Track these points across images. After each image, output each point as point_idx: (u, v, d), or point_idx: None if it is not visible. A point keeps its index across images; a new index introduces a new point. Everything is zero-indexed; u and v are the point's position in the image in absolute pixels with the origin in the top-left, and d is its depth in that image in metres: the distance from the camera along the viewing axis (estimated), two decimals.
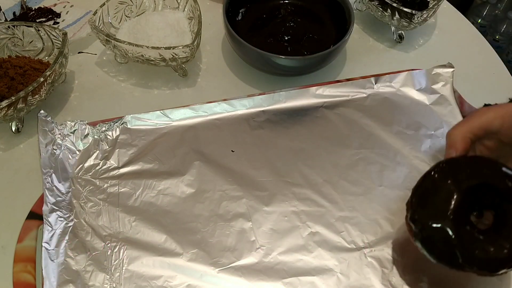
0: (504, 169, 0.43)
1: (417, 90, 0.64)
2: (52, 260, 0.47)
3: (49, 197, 0.51)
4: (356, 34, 0.74)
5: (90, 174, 0.54)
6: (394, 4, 0.68)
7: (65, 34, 0.61)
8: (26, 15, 0.70)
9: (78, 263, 0.48)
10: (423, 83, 0.64)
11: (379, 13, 0.71)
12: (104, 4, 0.64)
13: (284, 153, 0.58)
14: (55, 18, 0.70)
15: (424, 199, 0.44)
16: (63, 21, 0.70)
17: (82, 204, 0.52)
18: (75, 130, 0.56)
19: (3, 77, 0.58)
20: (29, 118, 0.60)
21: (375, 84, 0.64)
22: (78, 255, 0.49)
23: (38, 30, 0.62)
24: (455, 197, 0.42)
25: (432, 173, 0.45)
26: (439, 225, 0.42)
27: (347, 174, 0.56)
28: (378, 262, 0.50)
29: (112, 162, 0.55)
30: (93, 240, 0.50)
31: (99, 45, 0.70)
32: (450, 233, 0.41)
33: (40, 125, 0.54)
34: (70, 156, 0.55)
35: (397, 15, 0.69)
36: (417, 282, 0.49)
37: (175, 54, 0.61)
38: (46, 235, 0.48)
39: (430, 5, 0.70)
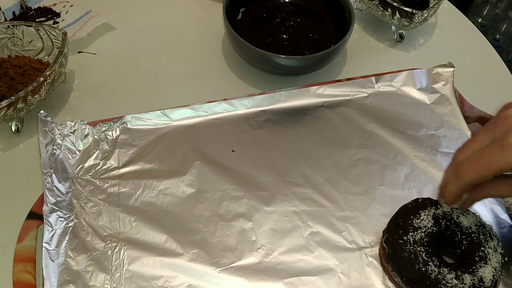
0: (473, 214, 0.49)
1: (417, 89, 0.64)
2: (52, 260, 0.47)
3: (49, 197, 0.50)
4: (357, 33, 0.74)
5: (90, 174, 0.54)
6: (395, 4, 0.68)
7: (65, 33, 0.61)
8: (25, 15, 0.70)
9: (79, 263, 0.48)
10: (424, 82, 0.64)
11: (380, 13, 0.70)
12: None
13: (285, 153, 0.58)
14: (54, 17, 0.70)
15: (400, 226, 0.48)
16: (62, 20, 0.70)
17: (82, 204, 0.52)
18: (75, 130, 0.56)
19: (2, 77, 0.58)
20: (29, 118, 0.59)
21: (376, 83, 0.64)
22: (79, 255, 0.48)
23: (38, 30, 0.62)
24: (428, 229, 0.47)
25: (410, 205, 0.50)
26: (409, 251, 0.46)
27: (348, 173, 0.56)
28: (379, 262, 0.50)
29: (112, 162, 0.55)
30: (93, 240, 0.50)
31: (99, 44, 0.70)
32: (419, 259, 0.46)
33: (40, 125, 0.54)
34: (70, 156, 0.55)
35: (397, 15, 0.68)
36: None
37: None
38: (47, 235, 0.48)
39: (431, 5, 0.70)
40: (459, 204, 0.44)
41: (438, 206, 0.49)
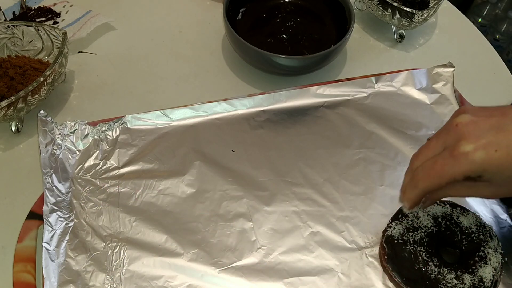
0: (473, 214, 0.49)
1: (417, 89, 0.64)
2: (52, 260, 0.47)
3: (49, 197, 0.50)
4: (357, 33, 0.74)
5: (90, 174, 0.54)
6: (395, 4, 0.68)
7: (65, 33, 0.61)
8: (25, 15, 0.70)
9: (79, 263, 0.48)
10: (424, 82, 0.64)
11: (380, 13, 0.70)
12: None
13: (285, 153, 0.58)
14: (54, 17, 0.70)
15: (400, 225, 0.48)
16: (62, 20, 0.70)
17: (82, 204, 0.52)
18: (75, 130, 0.56)
19: (2, 77, 0.58)
20: (29, 118, 0.59)
21: (376, 83, 0.64)
22: (79, 255, 0.48)
23: (38, 30, 0.62)
24: (428, 229, 0.47)
25: None
26: (409, 251, 0.46)
27: (348, 173, 0.56)
28: (379, 262, 0.50)
29: (112, 162, 0.55)
30: (93, 240, 0.50)
31: (99, 44, 0.70)
32: (419, 260, 0.45)
33: (40, 125, 0.54)
34: (70, 156, 0.55)
35: (397, 15, 0.68)
36: None
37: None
38: (47, 235, 0.48)
39: (431, 5, 0.70)
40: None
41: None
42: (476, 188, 0.39)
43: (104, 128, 0.57)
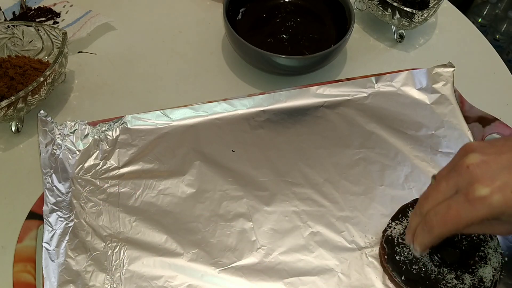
0: None
1: (417, 89, 0.64)
2: (52, 260, 0.47)
3: (49, 197, 0.51)
4: (357, 33, 0.74)
5: (90, 174, 0.54)
6: (395, 4, 0.68)
7: (65, 33, 0.61)
8: (25, 15, 0.70)
9: (79, 263, 0.48)
10: (424, 82, 0.64)
11: (380, 13, 0.70)
12: None
13: (285, 153, 0.58)
14: (54, 17, 0.70)
15: (400, 225, 0.48)
16: (62, 20, 0.70)
17: (82, 204, 0.52)
18: (75, 130, 0.56)
19: (2, 77, 0.58)
20: (29, 118, 0.59)
21: (376, 83, 0.64)
22: (79, 255, 0.48)
23: (38, 30, 0.62)
24: None
25: (410, 205, 0.50)
26: (409, 251, 0.46)
27: (348, 173, 0.56)
28: (379, 262, 0.50)
29: (112, 162, 0.55)
30: (93, 240, 0.50)
31: (99, 44, 0.70)
32: (419, 259, 0.46)
33: (40, 125, 0.54)
34: (70, 156, 0.55)
35: (397, 15, 0.68)
36: None
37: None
38: (47, 235, 0.48)
39: (431, 5, 0.70)
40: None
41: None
42: (491, 226, 0.39)
43: (104, 128, 0.57)
